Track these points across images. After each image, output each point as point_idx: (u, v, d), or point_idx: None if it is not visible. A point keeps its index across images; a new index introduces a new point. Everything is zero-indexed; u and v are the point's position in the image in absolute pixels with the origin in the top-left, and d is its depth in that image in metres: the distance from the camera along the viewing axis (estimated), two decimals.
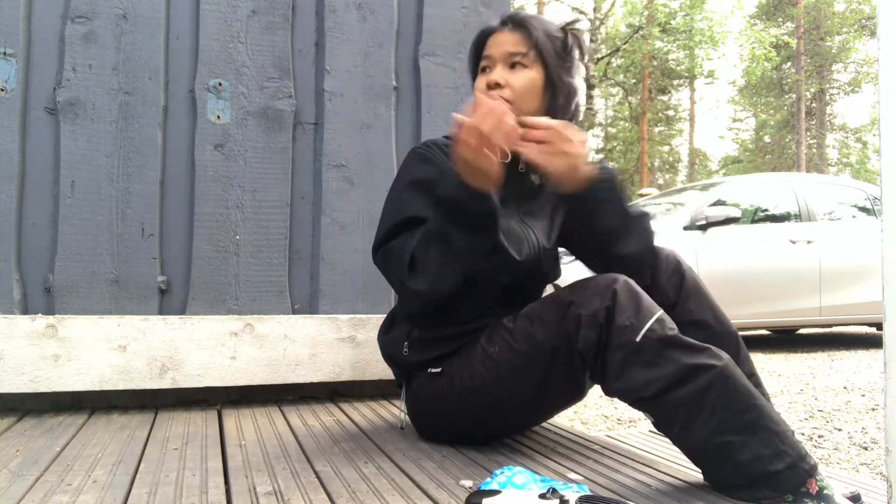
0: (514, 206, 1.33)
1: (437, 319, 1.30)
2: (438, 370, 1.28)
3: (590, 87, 15.80)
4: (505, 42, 1.29)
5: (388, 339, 1.39)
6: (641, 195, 8.18)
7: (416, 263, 1.18)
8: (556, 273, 1.43)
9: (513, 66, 1.28)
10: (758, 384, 1.23)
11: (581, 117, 1.39)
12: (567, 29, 1.33)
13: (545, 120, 1.17)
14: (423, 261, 1.17)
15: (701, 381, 1.02)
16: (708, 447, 1.03)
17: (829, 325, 5.03)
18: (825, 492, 1.00)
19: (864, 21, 19.89)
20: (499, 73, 1.27)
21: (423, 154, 1.30)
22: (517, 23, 1.30)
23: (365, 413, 1.68)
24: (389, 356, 1.39)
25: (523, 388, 1.21)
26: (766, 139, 24.42)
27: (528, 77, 1.28)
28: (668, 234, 4.35)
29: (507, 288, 1.32)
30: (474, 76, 1.37)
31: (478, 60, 1.35)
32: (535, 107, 1.29)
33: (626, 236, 1.27)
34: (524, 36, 1.28)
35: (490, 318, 1.28)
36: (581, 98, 1.37)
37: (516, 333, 1.20)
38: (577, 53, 1.33)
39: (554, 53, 1.29)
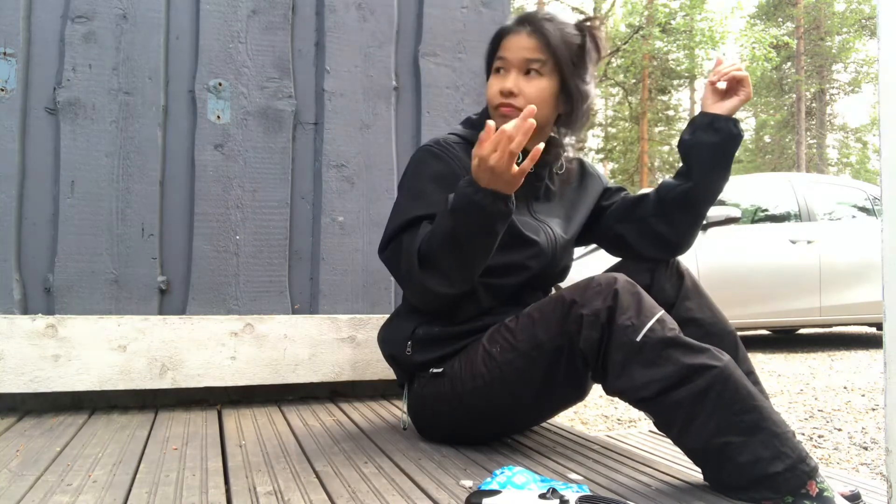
0: (524, 204, 1.34)
1: (447, 314, 1.30)
2: (440, 370, 1.28)
3: None
4: (522, 47, 1.27)
5: (390, 340, 1.39)
6: None
7: (427, 261, 1.19)
8: (565, 274, 1.43)
9: (528, 72, 1.28)
10: (756, 382, 1.23)
11: (591, 120, 1.40)
12: (583, 27, 1.31)
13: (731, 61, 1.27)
14: (436, 260, 1.18)
15: (701, 381, 1.02)
16: (708, 448, 1.03)
17: (829, 325, 5.03)
18: (825, 493, 0.99)
19: (864, 21, 19.88)
20: (513, 81, 1.27)
21: (435, 152, 1.30)
22: (536, 27, 1.28)
23: (365, 413, 1.68)
24: (392, 356, 1.39)
25: (525, 389, 1.21)
26: (766, 139, 24.40)
27: (543, 86, 1.27)
28: None
29: (520, 286, 1.33)
30: (488, 74, 1.37)
31: (492, 59, 1.34)
32: (547, 115, 1.30)
33: (708, 199, 1.32)
34: (542, 43, 1.26)
35: (495, 316, 1.29)
36: (593, 101, 1.37)
37: (518, 333, 1.20)
38: (593, 55, 1.32)
39: (570, 62, 1.28)
